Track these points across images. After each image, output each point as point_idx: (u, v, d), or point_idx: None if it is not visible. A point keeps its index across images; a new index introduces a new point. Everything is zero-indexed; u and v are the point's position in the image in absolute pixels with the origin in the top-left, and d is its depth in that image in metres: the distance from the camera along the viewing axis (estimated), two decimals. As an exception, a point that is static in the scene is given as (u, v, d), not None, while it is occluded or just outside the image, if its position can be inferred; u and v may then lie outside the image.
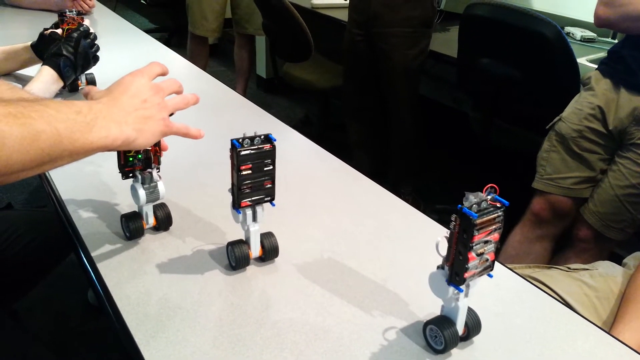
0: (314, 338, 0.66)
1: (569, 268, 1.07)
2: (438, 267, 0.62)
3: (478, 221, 0.56)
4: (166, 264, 0.78)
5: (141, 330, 0.66)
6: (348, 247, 0.84)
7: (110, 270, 0.77)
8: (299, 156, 1.13)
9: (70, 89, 1.24)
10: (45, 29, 1.24)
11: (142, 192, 0.79)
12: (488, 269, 0.61)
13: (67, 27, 1.19)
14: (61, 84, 1.16)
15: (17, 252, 1.16)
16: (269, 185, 0.73)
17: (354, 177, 1.06)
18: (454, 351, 0.66)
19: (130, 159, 0.77)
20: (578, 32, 2.16)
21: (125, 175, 0.78)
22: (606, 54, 1.47)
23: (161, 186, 0.81)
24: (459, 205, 0.57)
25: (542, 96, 1.78)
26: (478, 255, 0.58)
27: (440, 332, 0.63)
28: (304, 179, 1.03)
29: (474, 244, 0.57)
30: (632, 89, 1.34)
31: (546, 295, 0.77)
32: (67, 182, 0.98)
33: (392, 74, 2.15)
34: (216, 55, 4.15)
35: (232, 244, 0.76)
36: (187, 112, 1.31)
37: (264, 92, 3.76)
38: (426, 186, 2.45)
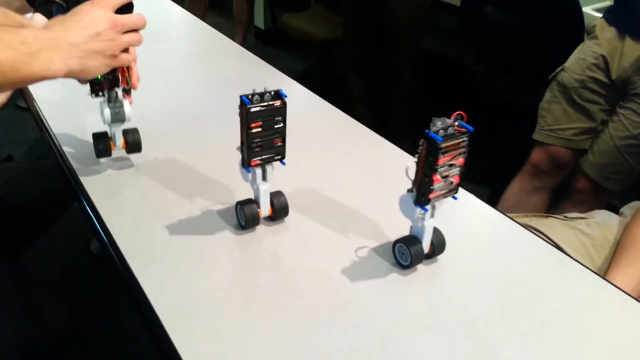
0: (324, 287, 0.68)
1: (566, 217, 1.08)
2: (408, 191, 0.66)
3: (443, 145, 0.60)
4: (175, 224, 0.77)
5: (145, 275, 0.68)
6: (352, 197, 0.84)
7: (113, 219, 0.77)
8: (300, 108, 1.12)
9: None
10: (38, -24, 1.21)
11: (106, 111, 0.82)
12: (453, 191, 0.66)
13: None
14: None
15: (20, 203, 1.17)
16: (279, 144, 0.71)
17: (355, 129, 1.05)
18: (420, 267, 0.71)
19: (98, 77, 0.77)
20: (584, -20, 2.09)
21: (94, 93, 0.80)
22: (612, 2, 1.43)
23: (127, 106, 0.82)
24: (426, 130, 0.60)
25: (545, 46, 1.75)
26: (443, 177, 0.63)
27: (407, 249, 0.68)
28: (306, 130, 1.03)
29: (438, 167, 0.61)
30: (638, 37, 1.32)
31: (542, 241, 0.79)
32: (67, 134, 0.98)
33: (394, 24, 2.11)
34: (214, 6, 4.04)
35: (241, 203, 0.75)
36: (184, 61, 1.30)
37: (263, 44, 3.69)
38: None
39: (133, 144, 0.87)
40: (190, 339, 0.60)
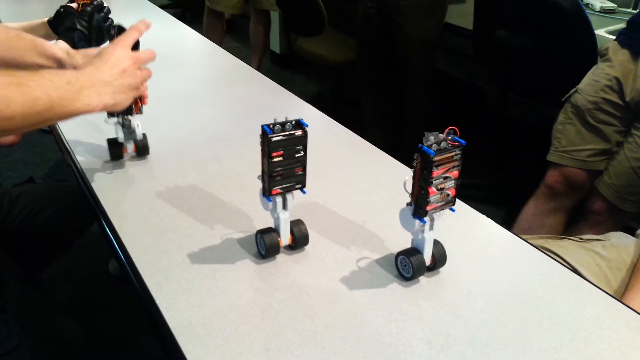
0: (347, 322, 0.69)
1: (581, 239, 1.08)
2: (407, 204, 0.68)
3: (436, 158, 0.62)
4: (195, 253, 0.77)
5: (162, 295, 0.69)
6: (371, 220, 0.85)
7: (132, 240, 0.79)
8: (314, 131, 1.13)
9: None
10: (62, 6, 1.26)
11: (120, 134, 0.95)
12: (450, 203, 0.68)
13: (82, 1, 1.20)
14: None
15: (40, 224, 1.19)
16: (300, 172, 0.71)
17: (368, 151, 1.07)
18: (422, 279, 0.73)
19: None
20: (597, 3, 2.11)
21: (109, 115, 0.92)
22: (625, 25, 1.44)
23: (138, 131, 0.96)
24: (420, 145, 0.63)
25: (558, 69, 1.76)
26: (438, 189, 0.65)
27: (409, 260, 0.70)
28: (322, 156, 1.03)
29: (433, 179, 0.64)
30: (651, 60, 1.32)
31: (556, 263, 0.79)
32: (88, 158, 1.00)
33: (407, 47, 2.13)
34: (230, 31, 4.13)
35: (261, 232, 0.75)
36: (202, 85, 1.34)
37: (279, 68, 3.75)
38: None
39: (142, 148, 0.99)
40: (204, 359, 0.60)
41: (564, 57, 1.72)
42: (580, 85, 1.46)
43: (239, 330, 0.64)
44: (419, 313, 0.68)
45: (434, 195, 0.65)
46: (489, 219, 0.88)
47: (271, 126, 0.67)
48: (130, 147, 0.98)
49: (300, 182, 0.72)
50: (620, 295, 0.92)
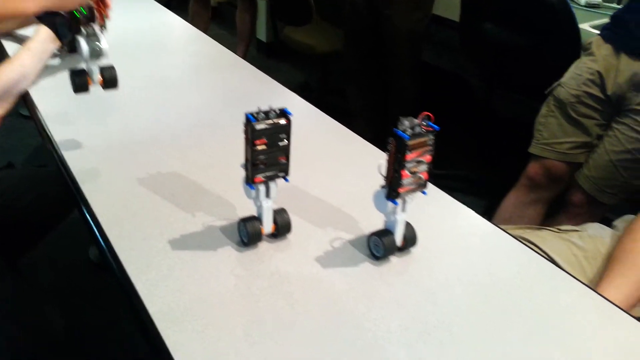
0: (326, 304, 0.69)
1: (559, 229, 1.09)
2: (381, 187, 0.70)
3: (410, 142, 0.64)
4: (177, 240, 0.77)
5: (142, 281, 0.69)
6: (350, 209, 0.86)
7: (113, 226, 0.79)
8: (299, 120, 1.13)
9: (69, 49, 1.24)
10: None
11: (84, 46, 0.85)
12: (422, 186, 0.70)
13: None
14: (58, 43, 1.16)
15: (20, 209, 1.18)
16: (283, 161, 0.71)
17: (351, 140, 1.07)
18: (393, 258, 0.75)
19: (77, 14, 0.82)
20: (582, -3, 2.12)
21: (70, 49, 0.86)
22: (609, 20, 1.46)
23: (104, 42, 0.86)
24: (394, 129, 0.65)
25: (543, 62, 1.77)
26: (412, 173, 0.67)
27: (381, 241, 0.72)
28: (305, 144, 1.03)
29: (406, 162, 0.65)
30: (633, 54, 1.34)
31: (533, 252, 0.80)
32: (68, 142, 0.99)
33: (395, 39, 2.13)
34: (217, 19, 4.09)
35: (244, 220, 0.75)
36: (187, 73, 1.33)
37: (265, 56, 3.72)
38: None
39: (110, 80, 0.90)
40: (184, 345, 0.61)
41: (548, 50, 1.74)
42: (563, 79, 1.48)
43: (219, 316, 0.65)
44: (393, 294, 0.69)
45: (407, 179, 0.67)
46: (469, 209, 0.89)
47: (255, 114, 0.67)
48: (96, 78, 0.89)
49: (283, 170, 0.72)
50: (595, 285, 0.94)
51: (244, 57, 3.15)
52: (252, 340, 0.62)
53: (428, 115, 0.66)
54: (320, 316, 0.66)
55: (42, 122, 1.05)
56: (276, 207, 0.76)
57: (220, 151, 0.99)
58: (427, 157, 0.68)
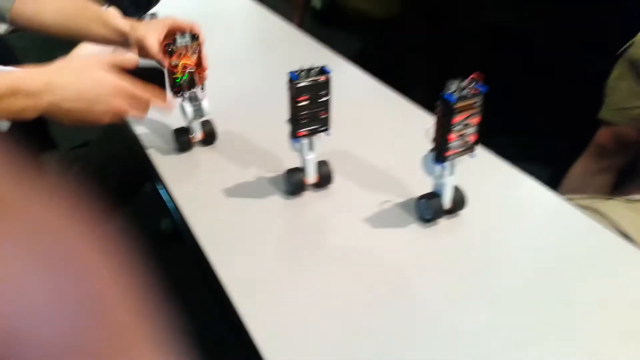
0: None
1: (628, 199, 1.05)
2: (430, 151, 0.71)
3: (456, 105, 0.64)
4: (231, 190, 0.85)
5: (215, 251, 0.74)
6: (399, 173, 0.88)
7: (184, 198, 0.84)
8: (356, 91, 1.15)
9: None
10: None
11: (188, 109, 0.90)
12: (470, 149, 0.70)
13: None
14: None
15: (95, 186, 1.26)
16: (324, 116, 0.76)
17: (408, 109, 1.07)
18: (441, 221, 0.77)
19: (177, 80, 0.87)
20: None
21: (174, 95, 0.89)
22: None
23: (205, 103, 0.91)
24: (441, 92, 0.65)
25: (614, 19, 1.67)
26: (459, 136, 0.67)
27: (429, 204, 0.73)
28: (360, 113, 1.05)
29: (453, 126, 0.66)
30: None
31: (602, 227, 0.78)
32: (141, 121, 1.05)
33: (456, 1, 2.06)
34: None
35: (289, 172, 0.81)
36: (241, 48, 1.36)
37: (319, 24, 3.69)
38: (487, 119, 2.40)
39: (209, 134, 0.95)
40: (228, 265, 0.67)
41: (619, 7, 1.63)
42: (637, 38, 1.39)
43: (268, 253, 0.73)
44: (441, 257, 0.72)
45: (453, 142, 0.68)
46: (528, 177, 0.88)
47: (297, 73, 0.72)
48: (198, 134, 0.95)
49: (324, 124, 0.77)
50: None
51: (300, 26, 3.14)
52: (295, 274, 0.69)
53: (476, 77, 0.66)
54: (361, 263, 0.71)
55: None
56: (319, 159, 0.82)
57: (276, 117, 1.02)
58: (475, 120, 0.68)
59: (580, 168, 1.57)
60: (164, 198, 0.87)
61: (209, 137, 0.95)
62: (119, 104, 0.73)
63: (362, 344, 0.60)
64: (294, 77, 0.71)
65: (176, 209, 0.82)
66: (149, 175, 0.93)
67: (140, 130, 1.01)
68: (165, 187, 0.87)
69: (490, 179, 0.87)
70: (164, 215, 1.83)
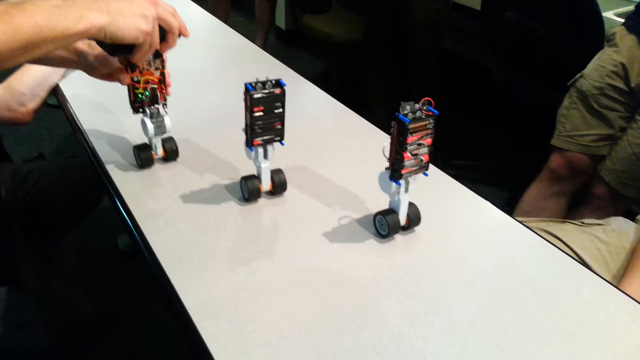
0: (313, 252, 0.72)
1: (583, 222, 1.10)
2: (386, 169, 0.74)
3: (411, 126, 0.68)
4: (188, 197, 0.86)
5: (168, 263, 0.73)
6: (357, 190, 0.90)
7: (141, 213, 0.83)
8: (316, 110, 1.16)
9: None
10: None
11: (150, 125, 0.89)
12: (423, 168, 0.74)
13: None
14: None
15: (52, 200, 1.22)
16: (279, 126, 0.79)
17: (368, 129, 1.08)
18: (397, 236, 0.80)
19: (139, 95, 0.86)
20: (607, -15, 2.09)
21: (135, 110, 0.88)
22: (633, 8, 1.43)
23: (167, 120, 0.90)
24: (397, 113, 0.68)
25: (565, 52, 1.76)
26: (413, 155, 0.71)
27: (385, 220, 0.76)
28: (320, 131, 1.07)
29: (408, 145, 0.70)
30: (658, 46, 1.32)
31: (556, 249, 0.81)
32: (98, 131, 1.02)
33: (415, 27, 2.12)
34: (236, 6, 4.10)
35: (245, 179, 0.84)
36: (206, 63, 1.36)
37: (284, 44, 3.73)
38: (445, 143, 2.46)
39: (171, 151, 0.94)
40: (189, 287, 0.68)
41: (570, 40, 1.72)
42: (586, 71, 1.47)
43: (221, 261, 0.74)
44: (396, 270, 0.74)
45: (408, 160, 0.71)
46: (483, 199, 0.90)
47: (253, 84, 0.75)
48: (159, 151, 0.93)
49: (279, 134, 0.81)
50: (618, 280, 0.94)
51: (263, 46, 3.15)
52: (247, 280, 0.70)
53: (429, 100, 0.70)
54: (319, 280, 0.72)
55: (72, 112, 1.08)
56: (273, 168, 0.85)
57: (233, 129, 1.02)
58: (428, 140, 0.72)
59: (534, 192, 1.63)
60: (123, 214, 0.84)
61: (171, 154, 0.94)
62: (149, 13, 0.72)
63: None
64: (250, 89, 0.75)
65: (135, 226, 0.80)
66: (107, 190, 0.90)
67: (98, 144, 0.98)
68: (123, 204, 0.84)
69: (445, 199, 0.90)
70: (122, 231, 1.78)
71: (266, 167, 0.83)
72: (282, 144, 0.81)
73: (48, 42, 0.65)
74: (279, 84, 0.77)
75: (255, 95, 0.75)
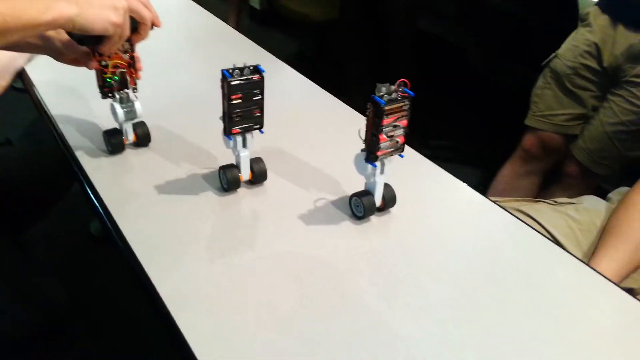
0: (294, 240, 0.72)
1: (556, 202, 1.11)
2: (361, 150, 0.74)
3: (386, 107, 0.67)
4: (163, 186, 0.83)
5: (143, 252, 0.71)
6: (332, 172, 0.89)
7: (113, 200, 0.81)
8: (292, 92, 1.14)
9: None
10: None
11: (120, 110, 0.86)
12: (399, 149, 0.74)
13: None
14: None
15: (20, 185, 1.18)
16: (258, 114, 0.77)
17: (343, 111, 1.08)
18: (373, 218, 0.80)
19: (108, 80, 0.83)
20: (580, -36, 2.09)
21: (104, 95, 0.85)
22: (607, -12, 1.44)
23: (138, 105, 0.87)
24: (372, 95, 0.67)
25: (540, 32, 1.77)
26: (389, 137, 0.70)
27: (361, 201, 0.76)
28: (296, 114, 1.05)
29: (384, 127, 0.69)
30: (630, 25, 1.33)
31: (531, 229, 0.82)
32: (65, 116, 0.99)
33: (391, 7, 2.11)
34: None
35: (223, 168, 0.82)
36: (178, 45, 1.33)
37: (258, 25, 3.66)
38: (421, 123, 2.47)
39: (143, 136, 0.91)
40: (165, 276, 0.67)
41: (545, 20, 1.73)
42: (560, 51, 1.48)
43: (199, 250, 0.73)
44: (372, 250, 0.74)
45: (384, 142, 0.71)
46: (457, 180, 0.91)
47: (230, 71, 0.72)
48: (130, 136, 0.91)
49: (258, 122, 0.78)
50: (589, 257, 0.96)
51: (237, 26, 3.09)
52: (230, 273, 0.68)
53: (404, 81, 0.69)
54: (297, 260, 0.72)
55: (38, 97, 1.05)
56: (253, 156, 0.82)
57: (208, 114, 1.00)
58: (404, 122, 0.71)
59: (507, 171, 1.65)
60: (93, 201, 0.82)
61: (143, 139, 0.91)
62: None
63: (299, 347, 0.60)
64: (227, 75, 0.72)
65: (106, 212, 0.78)
66: (76, 177, 0.88)
67: (66, 130, 0.95)
68: (94, 191, 0.82)
69: (420, 180, 0.90)
70: (93, 217, 1.74)
71: (245, 157, 0.81)
72: (262, 132, 0.79)
73: (13, 32, 0.62)
74: (257, 70, 0.74)
75: (233, 83, 0.72)
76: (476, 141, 2.43)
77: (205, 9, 1.56)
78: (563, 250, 0.78)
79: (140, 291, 0.68)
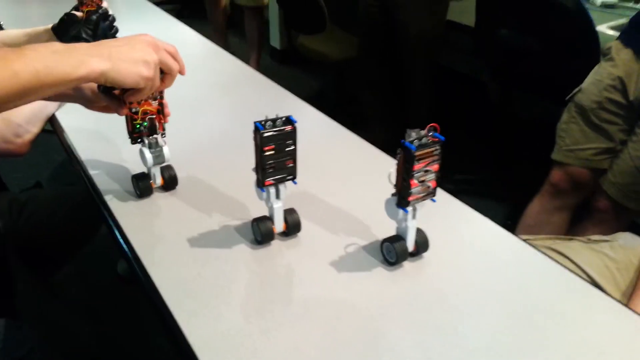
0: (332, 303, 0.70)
1: (589, 239, 1.09)
2: (392, 195, 0.72)
3: (417, 153, 0.67)
4: (195, 238, 0.82)
5: (172, 296, 0.71)
6: (362, 216, 0.88)
7: (143, 244, 0.81)
8: (313, 131, 1.15)
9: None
10: (66, 14, 1.25)
11: (148, 155, 0.87)
12: (431, 194, 0.73)
13: (87, 8, 1.19)
14: None
15: (50, 229, 1.20)
16: (290, 165, 0.76)
17: (365, 149, 1.08)
18: (405, 263, 0.78)
19: (137, 126, 0.85)
20: (598, -1, 2.10)
21: (133, 141, 0.87)
22: (627, 22, 1.44)
23: (166, 150, 0.89)
24: (402, 140, 0.67)
25: (561, 67, 1.76)
26: (420, 182, 0.69)
27: (393, 247, 0.74)
28: (320, 155, 1.05)
29: (415, 172, 0.68)
30: (654, 58, 1.33)
31: (566, 269, 0.79)
32: (94, 160, 1.01)
33: (409, 45, 2.13)
34: (234, 27, 4.12)
35: (257, 220, 0.80)
36: (202, 89, 1.35)
37: (278, 64, 3.74)
38: (444, 158, 2.45)
39: (170, 180, 0.92)
40: (193, 321, 0.65)
41: (566, 55, 1.73)
42: (584, 85, 1.47)
43: (234, 307, 0.70)
44: (406, 298, 0.72)
45: (415, 187, 0.70)
46: (492, 222, 0.89)
47: (263, 123, 0.72)
48: (158, 180, 0.92)
49: (291, 173, 0.77)
50: (628, 297, 0.93)
51: (257, 66, 3.16)
52: (264, 329, 0.66)
53: (434, 126, 0.69)
54: (331, 314, 0.69)
55: (68, 141, 1.07)
56: (286, 207, 0.81)
57: (235, 160, 1.01)
58: (435, 167, 0.70)
59: (536, 206, 1.62)
60: (121, 244, 0.83)
61: (170, 183, 0.92)
62: (151, 59, 0.71)
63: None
64: (260, 127, 0.71)
65: (135, 257, 0.78)
66: (105, 220, 0.89)
67: (95, 174, 0.97)
68: (123, 235, 0.83)
69: (451, 222, 0.88)
70: (121, 257, 1.75)
71: (279, 208, 0.79)
72: (295, 183, 0.77)
73: (46, 88, 0.64)
74: (289, 120, 0.73)
75: (266, 134, 0.71)
76: (502, 175, 2.40)
77: (225, 48, 1.59)
78: (602, 293, 0.75)
79: (168, 336, 0.67)
